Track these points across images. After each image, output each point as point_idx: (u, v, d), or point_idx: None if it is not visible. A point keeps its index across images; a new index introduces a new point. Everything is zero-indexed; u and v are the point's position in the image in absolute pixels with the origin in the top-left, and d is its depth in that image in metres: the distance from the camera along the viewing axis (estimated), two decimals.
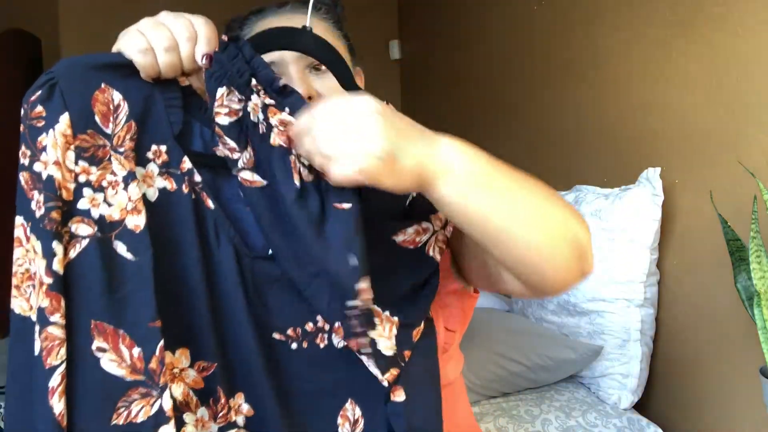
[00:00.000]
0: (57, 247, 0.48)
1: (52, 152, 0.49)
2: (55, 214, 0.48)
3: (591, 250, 0.58)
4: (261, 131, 0.53)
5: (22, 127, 0.51)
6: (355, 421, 0.58)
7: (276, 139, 0.53)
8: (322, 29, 0.71)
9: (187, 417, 0.52)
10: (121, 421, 0.49)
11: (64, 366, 0.47)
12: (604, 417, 1.27)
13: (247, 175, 0.54)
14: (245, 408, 0.56)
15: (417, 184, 0.48)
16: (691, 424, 1.31)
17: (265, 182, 0.54)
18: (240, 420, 0.55)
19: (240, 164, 0.54)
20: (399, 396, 0.57)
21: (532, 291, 0.60)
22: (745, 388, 1.16)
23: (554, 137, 1.89)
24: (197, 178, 0.54)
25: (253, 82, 0.53)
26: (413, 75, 3.43)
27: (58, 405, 0.47)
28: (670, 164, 1.34)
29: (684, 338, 1.33)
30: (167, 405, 0.50)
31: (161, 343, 0.50)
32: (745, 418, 1.16)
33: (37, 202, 0.49)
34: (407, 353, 0.57)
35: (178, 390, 0.52)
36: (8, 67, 3.87)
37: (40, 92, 0.51)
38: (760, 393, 1.11)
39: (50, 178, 0.49)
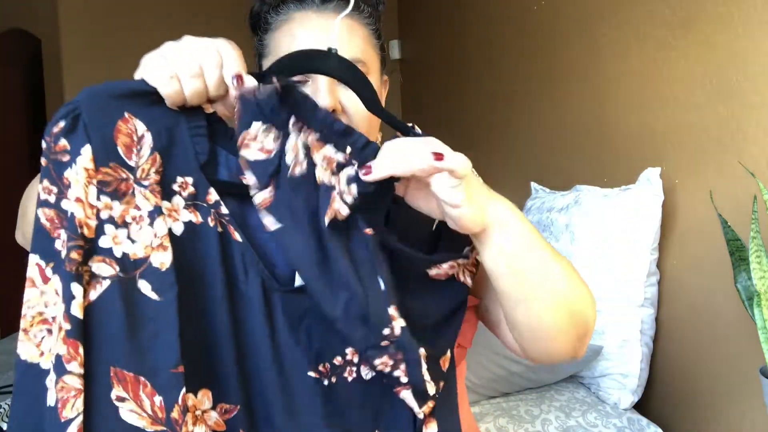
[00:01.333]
0: (76, 289, 0.45)
1: (75, 188, 0.47)
2: (75, 255, 0.45)
3: (590, 336, 0.62)
4: (298, 171, 0.51)
5: (44, 161, 0.48)
6: None
7: (321, 176, 0.51)
8: (362, 37, 0.70)
9: None
10: None
11: (80, 419, 0.44)
12: (604, 417, 1.27)
13: (261, 215, 0.51)
14: None
15: (480, 228, 0.53)
16: (691, 424, 1.31)
17: (278, 225, 0.51)
18: None
19: (256, 201, 0.51)
20: (432, 428, 0.56)
21: (524, 352, 0.63)
22: (745, 388, 1.16)
23: (554, 137, 1.89)
24: (224, 210, 0.52)
25: (293, 119, 0.51)
26: (413, 75, 3.43)
27: None
28: (670, 164, 1.34)
29: (684, 338, 1.33)
30: None
31: (183, 390, 0.48)
32: (745, 418, 1.17)
33: (63, 241, 0.46)
34: (441, 384, 0.56)
35: None
36: (8, 67, 3.87)
37: (63, 123, 0.47)
38: (760, 393, 1.11)
39: (71, 215, 0.46)
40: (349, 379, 0.55)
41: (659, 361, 1.39)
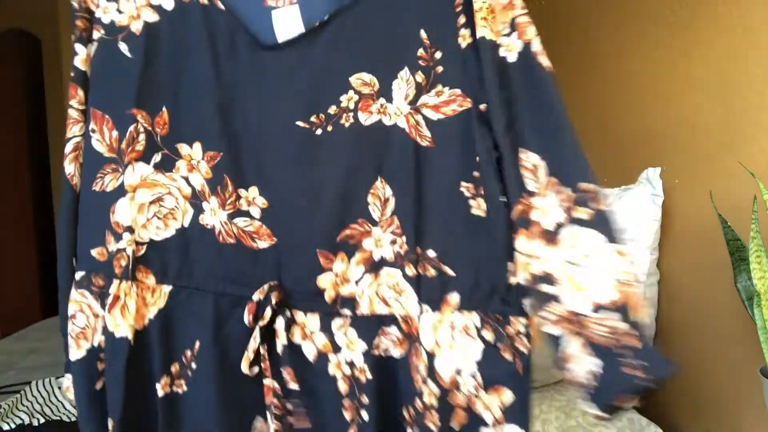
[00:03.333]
0: (80, 48, 0.59)
1: None
2: (80, 23, 0.59)
3: None
4: None
5: None
6: (386, 200, 0.58)
7: None
8: None
9: (204, 206, 0.58)
10: (97, 188, 0.58)
11: (76, 139, 0.59)
12: None
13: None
14: (260, 200, 0.58)
15: None
16: (691, 424, 1.31)
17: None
18: (255, 211, 0.58)
19: None
20: None
21: None
22: (745, 388, 1.16)
23: None
24: None
25: None
26: None
27: (69, 167, 0.59)
28: (670, 164, 1.34)
29: (684, 338, 1.33)
30: (130, 180, 0.58)
31: (132, 127, 0.57)
32: (745, 418, 1.16)
33: (78, 17, 0.59)
34: None
35: (196, 180, 0.59)
36: (8, 67, 3.87)
37: None
38: (760, 393, 1.11)
39: None
40: (347, 125, 0.58)
41: None
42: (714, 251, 1.20)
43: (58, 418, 1.39)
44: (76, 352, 0.56)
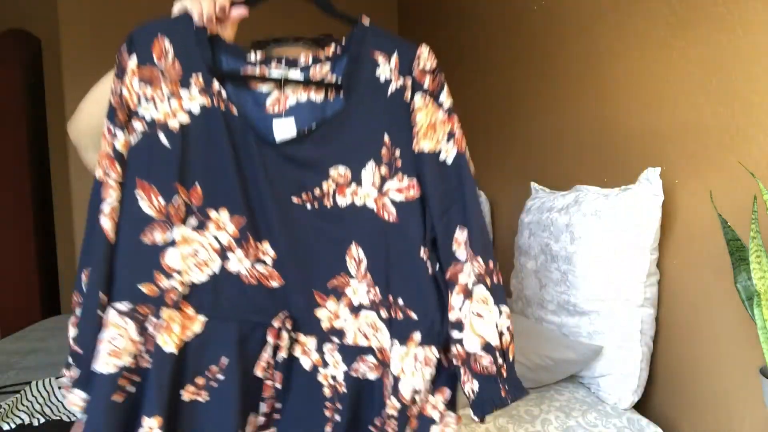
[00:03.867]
0: (119, 133, 0.76)
1: (128, 80, 0.77)
2: (121, 114, 0.76)
3: None
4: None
5: (115, 69, 0.79)
6: (360, 260, 0.79)
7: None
8: (305, 51, 0.94)
9: (230, 255, 0.77)
10: (147, 240, 0.75)
11: (113, 201, 0.74)
12: (604, 417, 1.27)
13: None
14: (271, 252, 0.78)
15: None
16: (691, 424, 1.31)
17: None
18: (268, 260, 0.78)
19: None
20: None
21: None
22: (745, 388, 1.16)
23: (554, 137, 1.89)
24: (224, 95, 0.79)
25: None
26: None
27: (106, 222, 0.74)
28: (670, 164, 1.34)
29: (684, 338, 1.33)
30: (176, 236, 0.76)
31: (176, 197, 0.76)
32: (745, 418, 1.16)
33: (119, 109, 0.77)
34: None
35: (223, 237, 0.77)
36: (8, 67, 3.87)
37: (124, 45, 0.78)
38: (760, 393, 1.11)
39: (121, 93, 0.77)
40: (328, 205, 0.79)
41: (659, 361, 1.39)
42: (714, 251, 1.20)
43: (58, 418, 1.39)
44: (106, 367, 0.69)
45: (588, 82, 1.67)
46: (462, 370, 0.79)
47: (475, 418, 0.78)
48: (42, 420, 1.36)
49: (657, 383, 1.40)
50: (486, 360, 0.77)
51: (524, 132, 2.10)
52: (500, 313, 0.78)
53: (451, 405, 0.80)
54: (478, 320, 0.77)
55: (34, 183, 4.14)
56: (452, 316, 0.78)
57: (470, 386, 0.78)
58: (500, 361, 0.79)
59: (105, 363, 0.69)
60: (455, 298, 0.78)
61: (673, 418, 1.36)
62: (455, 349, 0.79)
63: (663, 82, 1.36)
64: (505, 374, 0.79)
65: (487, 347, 0.77)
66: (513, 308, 1.79)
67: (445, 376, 0.80)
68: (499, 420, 1.24)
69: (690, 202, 1.29)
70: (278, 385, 0.75)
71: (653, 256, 1.33)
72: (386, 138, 0.80)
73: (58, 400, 1.49)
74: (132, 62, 0.77)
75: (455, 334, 0.78)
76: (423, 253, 0.79)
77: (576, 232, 1.45)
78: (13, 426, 1.32)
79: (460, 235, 0.78)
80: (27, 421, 1.36)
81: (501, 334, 0.79)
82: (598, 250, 1.38)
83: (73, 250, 3.25)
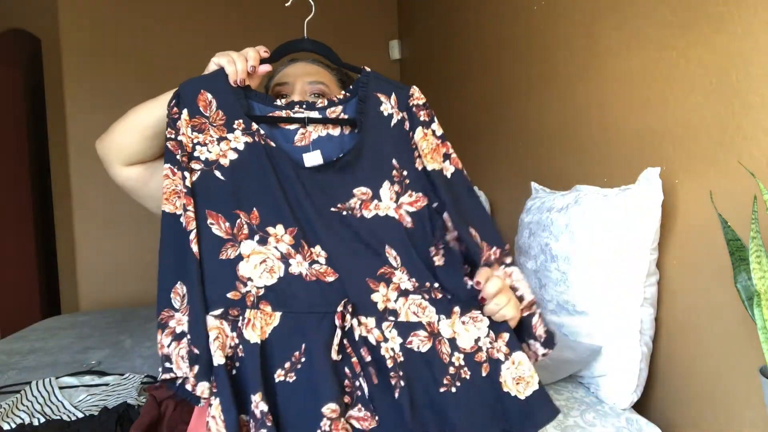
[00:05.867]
0: (186, 173, 0.93)
1: (182, 129, 0.95)
2: (182, 158, 0.94)
3: None
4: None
5: (167, 120, 0.97)
6: (396, 257, 0.96)
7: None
8: (327, 75, 1.19)
9: (291, 261, 0.93)
10: (224, 257, 0.91)
11: (195, 231, 0.91)
12: (603, 417, 1.27)
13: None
14: (323, 254, 0.93)
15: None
16: (690, 424, 1.31)
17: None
18: (321, 260, 0.93)
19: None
20: None
21: None
22: (745, 388, 1.16)
23: (554, 137, 1.89)
24: (262, 132, 0.98)
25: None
26: (413, 75, 3.43)
27: (194, 247, 0.90)
28: (670, 164, 1.34)
29: (684, 338, 1.33)
30: (245, 251, 0.92)
31: (239, 220, 0.93)
32: (745, 418, 1.16)
33: (179, 155, 0.94)
34: None
35: (282, 247, 0.93)
36: (8, 67, 3.87)
37: (173, 101, 0.97)
38: (760, 393, 1.11)
39: (181, 141, 0.95)
40: (357, 216, 0.97)
41: (658, 361, 1.39)
42: (714, 251, 1.20)
43: (58, 418, 1.39)
44: (219, 359, 0.86)
45: (588, 82, 1.67)
46: (534, 318, 0.99)
47: (548, 351, 1.00)
48: (42, 420, 1.36)
49: (656, 383, 1.40)
50: (538, 310, 1.00)
51: (524, 132, 2.10)
52: (521, 271, 1.01)
53: (513, 344, 0.95)
54: (521, 282, 0.99)
55: (34, 183, 4.14)
56: (508, 282, 0.98)
57: (543, 328, 0.99)
58: (540, 309, 1.02)
59: (218, 356, 0.86)
60: (498, 271, 0.98)
61: (672, 418, 1.36)
62: (521, 303, 0.98)
63: (663, 82, 1.36)
64: (545, 318, 1.02)
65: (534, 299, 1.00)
66: None
67: (497, 324, 0.95)
68: None
69: (690, 202, 1.29)
70: (368, 358, 0.89)
71: (653, 256, 1.33)
72: (395, 162, 1.01)
73: (58, 400, 1.49)
74: (184, 114, 0.96)
75: (517, 293, 0.98)
76: (432, 249, 0.98)
77: (576, 232, 1.45)
78: (13, 426, 1.32)
79: (475, 231, 0.99)
80: (27, 421, 1.36)
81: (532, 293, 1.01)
82: (598, 250, 1.38)
83: (73, 250, 3.25)
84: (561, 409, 1.28)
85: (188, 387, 0.86)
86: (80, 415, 1.40)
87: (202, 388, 0.85)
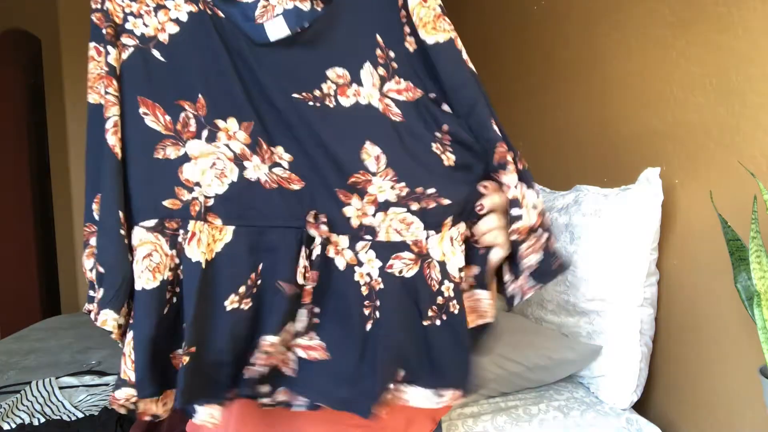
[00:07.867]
0: (111, 49, 0.72)
1: None
2: (109, 30, 0.72)
3: None
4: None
5: None
6: (377, 157, 0.76)
7: None
8: None
9: (246, 163, 0.74)
10: (160, 156, 0.72)
11: (116, 118, 0.71)
12: (603, 417, 1.27)
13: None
14: (286, 156, 0.75)
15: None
16: (690, 424, 1.31)
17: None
18: (284, 164, 0.75)
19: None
20: None
21: None
22: (745, 388, 1.16)
23: (554, 137, 1.89)
24: (210, 1, 0.76)
25: None
26: None
27: (111, 138, 0.71)
28: (670, 164, 1.34)
29: (684, 338, 1.33)
30: (192, 151, 0.73)
31: (183, 114, 0.73)
32: (745, 418, 1.16)
33: (104, 27, 0.73)
34: None
35: (236, 146, 0.74)
36: (8, 67, 3.87)
37: None
38: (760, 393, 1.11)
39: (107, 11, 0.73)
40: (331, 105, 0.76)
41: (658, 361, 1.39)
42: (714, 251, 1.20)
43: (58, 417, 1.39)
44: (151, 283, 0.70)
45: (588, 82, 1.67)
46: (525, 246, 0.81)
47: (536, 284, 0.82)
48: (42, 420, 1.36)
49: (656, 383, 1.40)
50: (544, 236, 0.81)
51: (524, 132, 2.10)
52: (537, 194, 0.82)
53: (479, 283, 0.81)
54: (530, 198, 0.81)
55: (34, 183, 4.14)
56: (510, 194, 0.80)
57: (536, 257, 0.81)
58: (549, 235, 0.82)
59: (148, 279, 0.70)
60: (509, 177, 0.80)
61: (672, 418, 1.36)
62: (517, 225, 0.79)
63: (663, 82, 1.36)
64: (552, 249, 0.82)
65: (543, 223, 0.81)
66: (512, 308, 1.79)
67: (473, 255, 0.81)
68: (498, 419, 1.24)
69: (690, 202, 1.29)
70: (312, 284, 0.74)
71: (653, 256, 1.33)
72: (379, 38, 0.78)
73: (58, 400, 1.49)
74: None
75: (515, 211, 0.79)
76: (435, 148, 0.79)
77: (576, 232, 1.45)
78: (13, 426, 1.32)
79: (494, 124, 0.80)
80: (27, 421, 1.36)
81: (543, 213, 0.82)
82: (598, 250, 1.38)
83: (73, 250, 3.25)
84: (561, 409, 1.28)
85: (92, 317, 0.72)
86: (80, 415, 1.40)
87: (105, 318, 0.70)
